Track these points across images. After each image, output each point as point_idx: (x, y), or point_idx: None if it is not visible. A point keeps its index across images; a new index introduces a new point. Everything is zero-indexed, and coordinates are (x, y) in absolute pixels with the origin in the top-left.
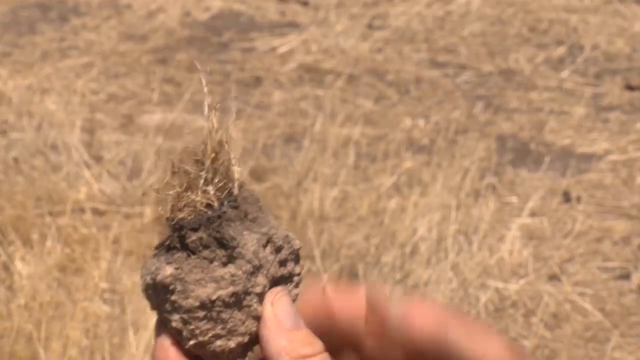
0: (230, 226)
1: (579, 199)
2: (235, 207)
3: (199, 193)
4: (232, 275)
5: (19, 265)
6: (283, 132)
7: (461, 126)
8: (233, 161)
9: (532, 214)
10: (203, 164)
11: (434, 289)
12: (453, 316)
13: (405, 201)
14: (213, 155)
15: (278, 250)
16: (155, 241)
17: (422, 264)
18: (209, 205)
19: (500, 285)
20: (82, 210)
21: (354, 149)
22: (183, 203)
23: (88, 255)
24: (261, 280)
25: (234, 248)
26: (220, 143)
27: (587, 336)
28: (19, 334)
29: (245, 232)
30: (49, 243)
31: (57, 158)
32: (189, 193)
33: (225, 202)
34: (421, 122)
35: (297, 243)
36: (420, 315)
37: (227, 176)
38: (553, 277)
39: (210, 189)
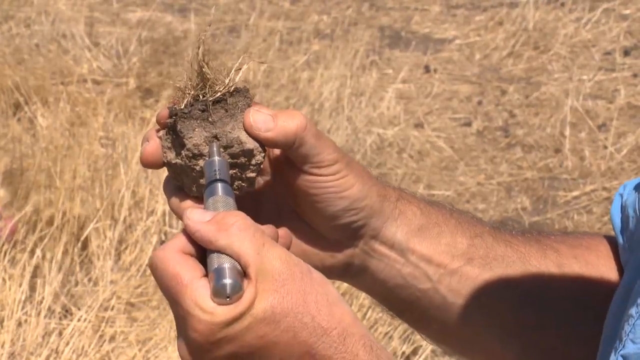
0: (185, 122)
1: (435, 70)
2: (203, 110)
3: (191, 93)
4: (180, 155)
5: (40, 119)
6: (227, 25)
7: (353, 20)
8: (221, 78)
9: (403, 81)
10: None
11: (334, 134)
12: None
13: (314, 73)
14: (197, 71)
15: (226, 147)
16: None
17: (326, 117)
18: (195, 103)
19: (380, 131)
20: (85, 81)
21: (278, 36)
22: (184, 97)
23: (89, 113)
24: (201, 163)
25: (182, 138)
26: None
27: (441, 166)
28: (40, 168)
29: (197, 129)
30: (61, 104)
31: (66, 44)
32: (192, 91)
33: (198, 104)
34: (325, 17)
35: (248, 145)
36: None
37: (212, 87)
38: (418, 125)
39: (194, 93)
